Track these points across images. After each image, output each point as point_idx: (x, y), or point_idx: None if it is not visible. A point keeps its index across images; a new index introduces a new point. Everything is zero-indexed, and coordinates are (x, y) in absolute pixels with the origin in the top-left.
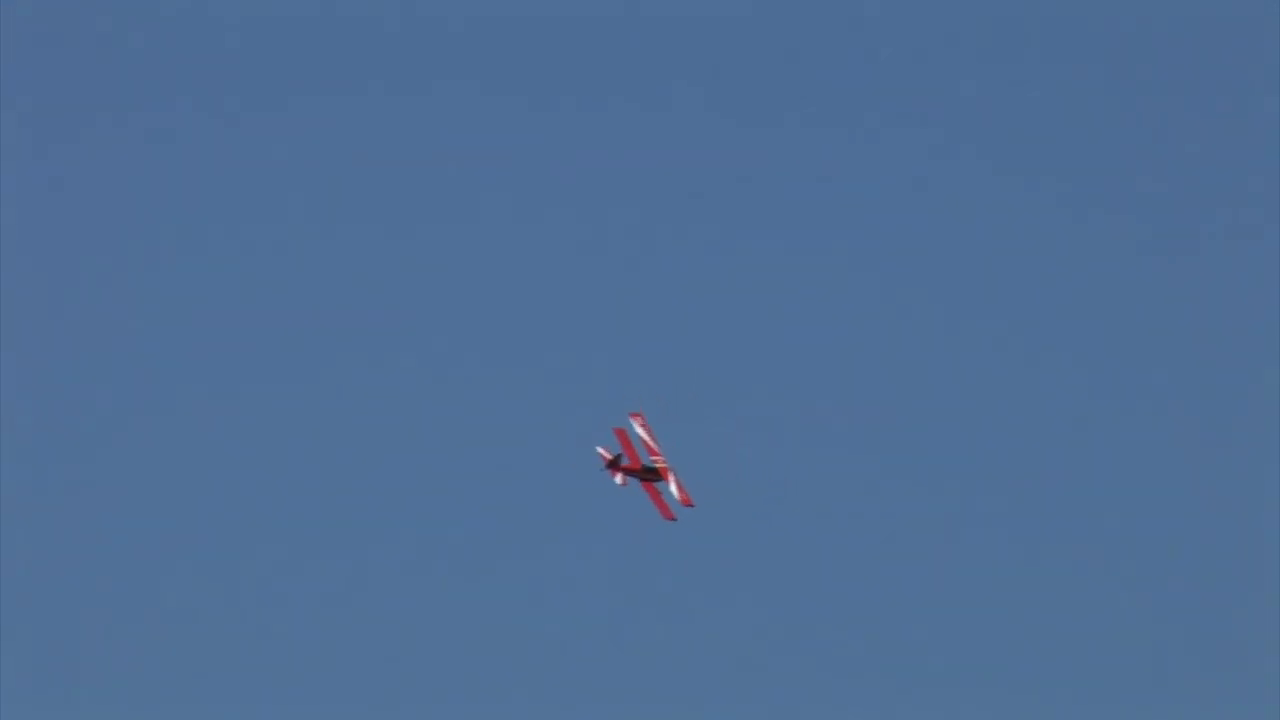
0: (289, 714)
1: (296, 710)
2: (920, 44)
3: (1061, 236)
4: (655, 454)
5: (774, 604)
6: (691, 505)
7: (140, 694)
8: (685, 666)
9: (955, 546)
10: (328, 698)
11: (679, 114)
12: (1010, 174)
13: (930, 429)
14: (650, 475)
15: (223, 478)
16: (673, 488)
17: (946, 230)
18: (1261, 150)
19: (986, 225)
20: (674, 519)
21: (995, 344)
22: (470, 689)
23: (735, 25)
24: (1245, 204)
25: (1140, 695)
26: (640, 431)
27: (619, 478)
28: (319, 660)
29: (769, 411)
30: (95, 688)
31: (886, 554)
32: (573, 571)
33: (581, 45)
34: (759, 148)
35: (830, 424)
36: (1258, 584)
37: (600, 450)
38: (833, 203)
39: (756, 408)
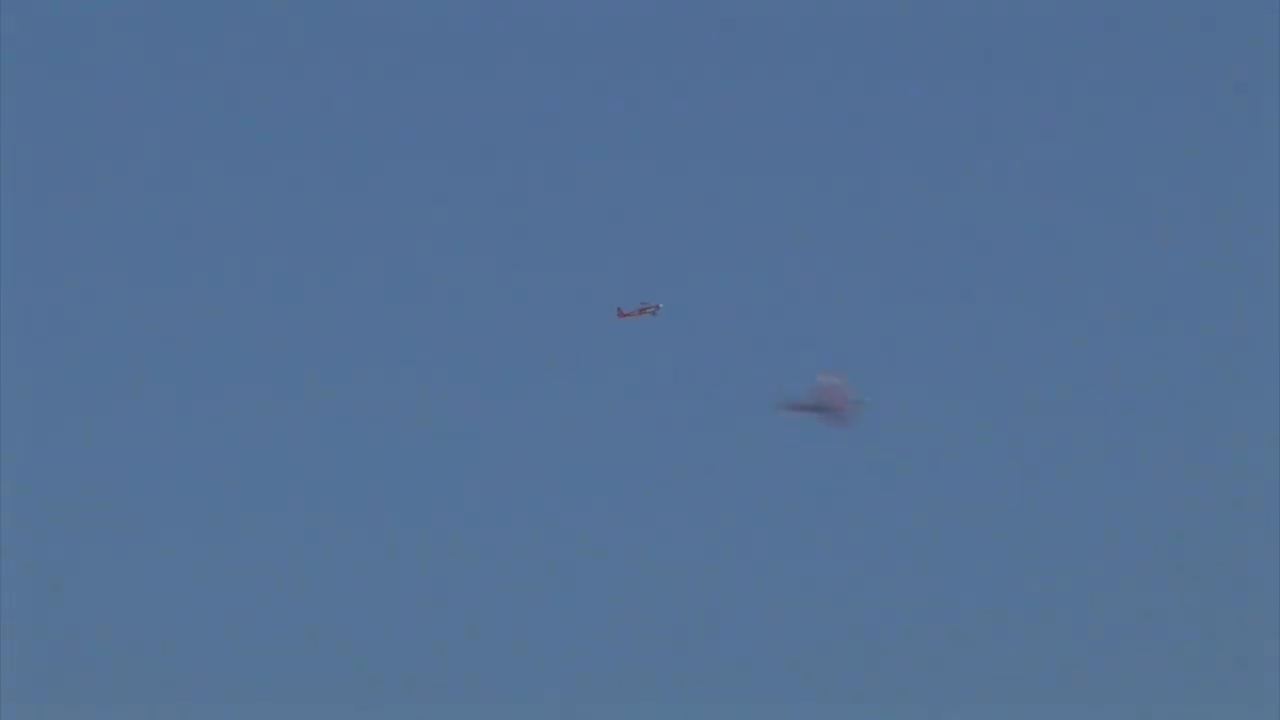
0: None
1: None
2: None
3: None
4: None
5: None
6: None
7: (140, 694)
8: None
9: (953, 546)
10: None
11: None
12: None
13: (922, 421)
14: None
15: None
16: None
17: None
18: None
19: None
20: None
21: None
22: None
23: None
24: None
25: (1140, 695)
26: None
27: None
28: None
29: None
30: (94, 688)
31: (886, 554)
32: None
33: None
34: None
35: None
36: (1258, 584)
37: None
38: None
39: None
